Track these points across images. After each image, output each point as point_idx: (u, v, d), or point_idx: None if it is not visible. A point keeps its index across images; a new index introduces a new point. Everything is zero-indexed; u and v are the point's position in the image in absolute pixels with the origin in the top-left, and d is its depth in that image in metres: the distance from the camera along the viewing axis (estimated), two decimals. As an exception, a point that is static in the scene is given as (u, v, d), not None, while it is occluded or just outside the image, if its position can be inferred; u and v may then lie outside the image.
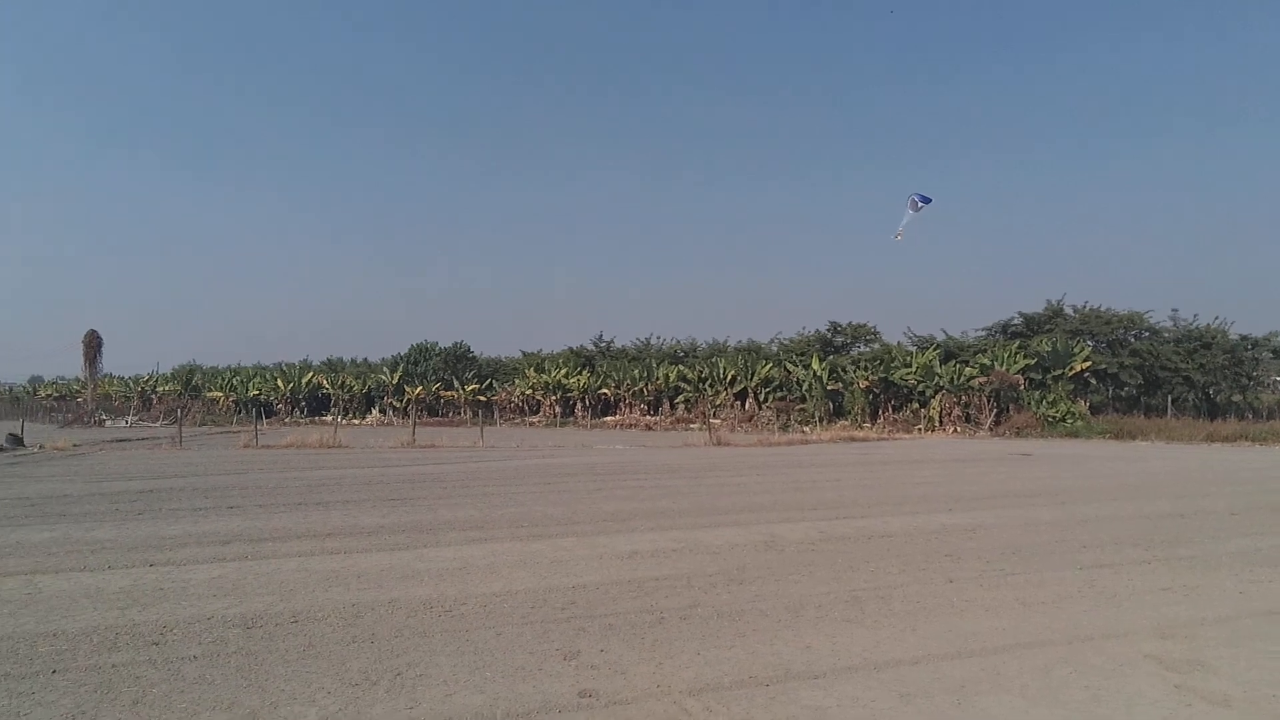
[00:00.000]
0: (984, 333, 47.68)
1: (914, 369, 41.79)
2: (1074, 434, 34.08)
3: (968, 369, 40.20)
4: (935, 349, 43.97)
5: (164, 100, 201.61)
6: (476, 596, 6.48)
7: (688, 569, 7.54)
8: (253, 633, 5.45)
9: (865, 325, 51.29)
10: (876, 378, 42.94)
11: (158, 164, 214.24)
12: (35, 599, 6.35)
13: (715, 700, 4.29)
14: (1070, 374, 39.06)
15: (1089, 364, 39.55)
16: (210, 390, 63.59)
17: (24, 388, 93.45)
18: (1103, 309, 44.11)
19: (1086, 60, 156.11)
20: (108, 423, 52.66)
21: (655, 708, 4.19)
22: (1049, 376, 39.24)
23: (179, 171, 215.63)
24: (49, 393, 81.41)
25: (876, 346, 48.83)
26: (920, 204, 27.87)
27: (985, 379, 38.79)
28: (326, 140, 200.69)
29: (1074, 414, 36.34)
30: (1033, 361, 39.77)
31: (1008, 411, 37.97)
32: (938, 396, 39.70)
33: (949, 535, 9.51)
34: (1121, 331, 43.46)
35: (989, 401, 38.11)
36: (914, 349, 45.97)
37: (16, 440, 26.72)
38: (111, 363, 69.63)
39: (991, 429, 36.64)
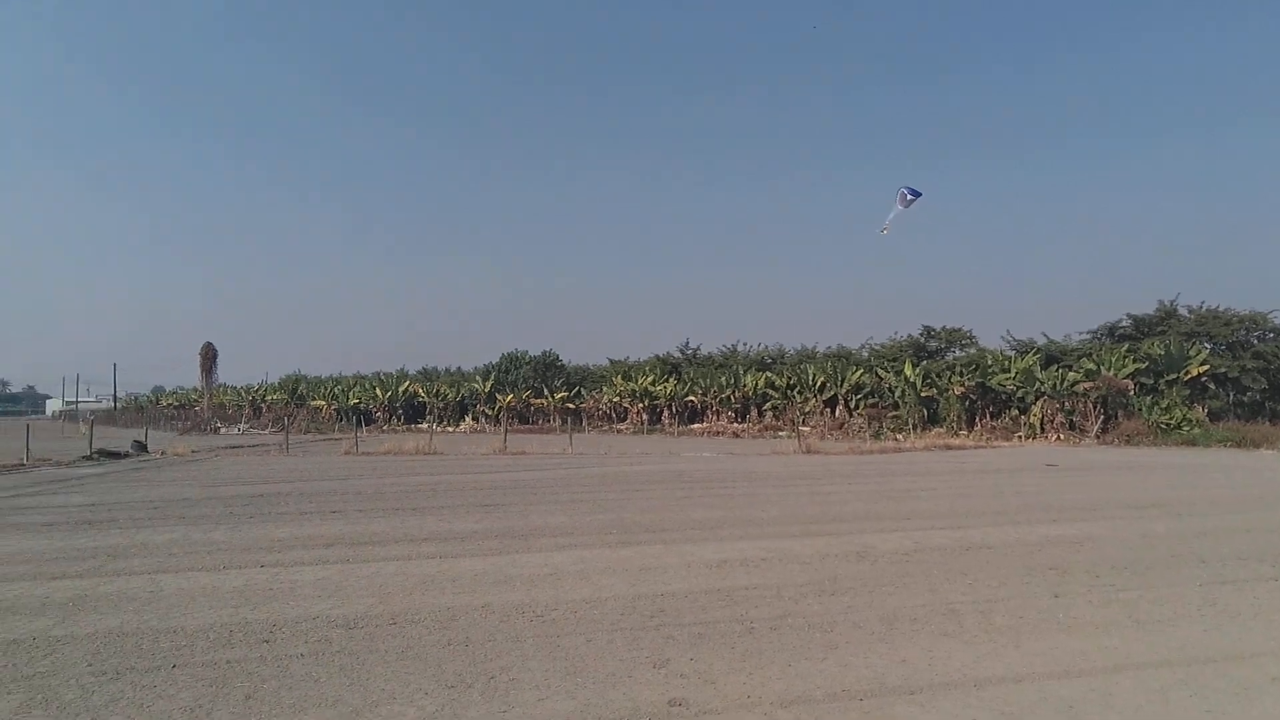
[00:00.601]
0: (1089, 336, 45.49)
1: (1013, 374, 40.22)
2: (1191, 442, 32.10)
3: (1071, 374, 38.41)
4: (1036, 353, 42.18)
5: (273, 115, 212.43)
6: (567, 602, 6.56)
7: (777, 579, 7.45)
8: (354, 633, 5.66)
9: (960, 329, 49.69)
10: (973, 383, 41.51)
11: (264, 180, 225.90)
12: (157, 597, 6.76)
13: (807, 713, 4.22)
14: (1186, 378, 36.82)
15: (1206, 367, 37.19)
16: (314, 399, 66.50)
17: (148, 397, 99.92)
18: (1221, 309, 41.43)
19: (1216, 41, 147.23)
20: (221, 430, 55.70)
21: (746, 719, 4.15)
22: (1162, 381, 37.10)
23: (283, 189, 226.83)
24: (170, 401, 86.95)
25: (973, 351, 47.21)
26: (910, 197, 26.34)
27: (1091, 384, 36.97)
28: (421, 156, 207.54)
29: (1190, 421, 34.24)
30: (1143, 365, 37.67)
31: (1116, 418, 36.08)
32: (1039, 403, 38.07)
33: (1054, 547, 9.10)
34: (1243, 333, 40.69)
35: (1095, 408, 36.28)
36: (1013, 353, 44.24)
37: (141, 446, 28.59)
38: (225, 373, 73.89)
39: (1098, 437, 34.85)
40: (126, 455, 26.56)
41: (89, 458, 24.48)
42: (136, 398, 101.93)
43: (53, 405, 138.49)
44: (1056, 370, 39.38)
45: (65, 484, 17.11)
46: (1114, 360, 38.23)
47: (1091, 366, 38.54)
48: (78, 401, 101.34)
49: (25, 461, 22.38)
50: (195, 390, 77.60)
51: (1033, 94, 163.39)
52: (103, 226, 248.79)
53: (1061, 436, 35.88)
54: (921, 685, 4.63)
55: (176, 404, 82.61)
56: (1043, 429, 37.18)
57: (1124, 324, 44.64)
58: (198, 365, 67.76)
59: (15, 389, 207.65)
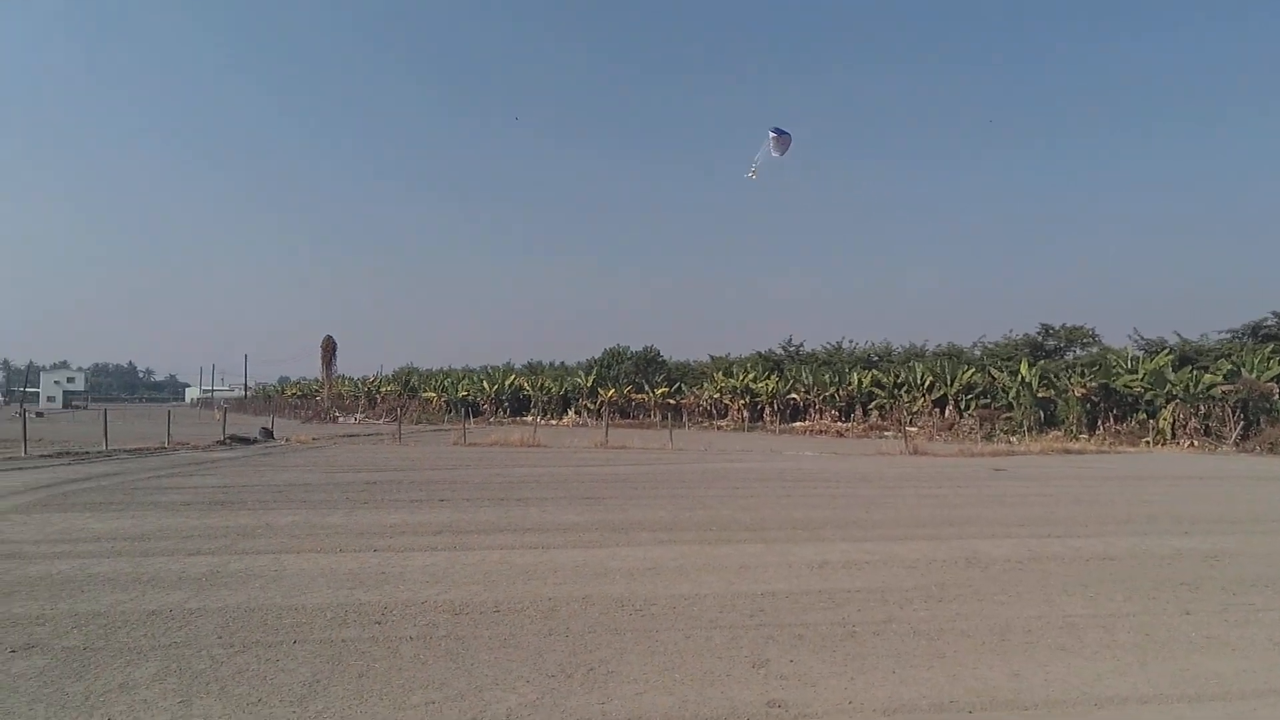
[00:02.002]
0: (1228, 335, 42.23)
1: (1141, 375, 37.80)
2: (1345, 451, 29.40)
3: (1208, 376, 35.77)
4: (1167, 353, 39.49)
5: (394, 120, 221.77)
6: (666, 597, 6.57)
7: (881, 582, 7.25)
8: (460, 619, 5.84)
9: (1082, 327, 47.12)
10: (1095, 384, 39.21)
11: (383, 184, 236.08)
12: (281, 576, 7.17)
13: (912, 722, 4.09)
14: (1340, 382, 33.72)
15: (1364, 370, 33.96)
16: (425, 391, 69.05)
17: (275, 387, 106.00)
18: (1382, 306, 37.74)
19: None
20: (339, 419, 58.63)
21: (847, 724, 4.06)
22: (1312, 385, 34.08)
23: (399, 191, 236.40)
24: (293, 391, 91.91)
25: (1095, 350, 44.66)
26: (776, 137, 23.31)
27: (1230, 387, 34.33)
28: (531, 158, 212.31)
29: (1344, 428, 31.34)
30: (1290, 368, 34.70)
31: (1258, 424, 33.36)
32: (1170, 406, 35.61)
33: (1184, 561, 8.50)
34: None
35: (1234, 413, 33.64)
36: (1140, 353, 41.59)
37: (268, 433, 30.46)
38: (343, 365, 77.61)
39: (1237, 444, 32.32)
40: (255, 441, 28.30)
41: (222, 443, 26.19)
42: (264, 387, 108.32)
43: (191, 393, 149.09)
44: (1191, 372, 36.77)
45: (200, 467, 18.37)
46: (1257, 362, 35.39)
47: (1231, 368, 35.80)
48: (213, 390, 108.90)
49: (166, 445, 24.16)
50: (316, 381, 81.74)
51: (1170, 68, 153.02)
52: (239, 229, 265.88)
53: (1195, 443, 33.46)
54: (1036, 701, 4.41)
55: (299, 394, 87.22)
56: (1174, 435, 34.79)
57: (1269, 322, 41.20)
58: (319, 357, 71.47)
59: (159, 377, 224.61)
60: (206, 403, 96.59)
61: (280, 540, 8.92)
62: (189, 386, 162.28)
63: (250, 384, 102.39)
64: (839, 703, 4.33)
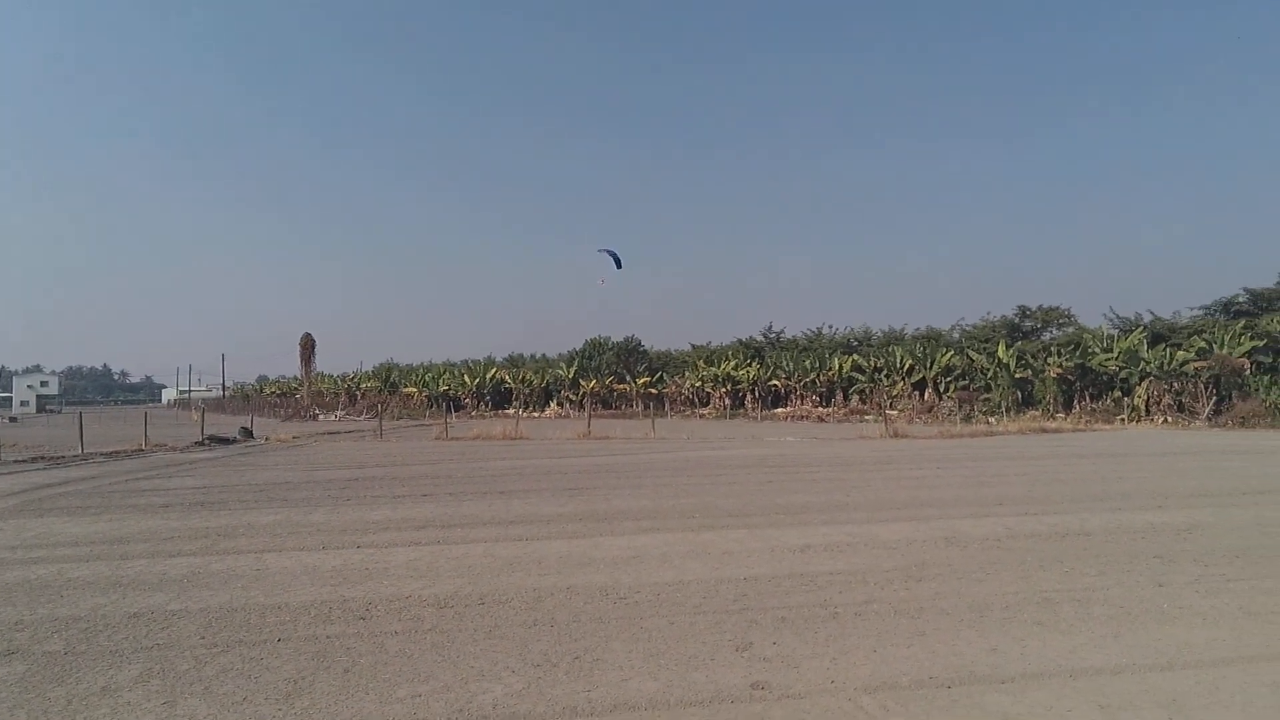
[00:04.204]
0: (1200, 312, 42.95)
1: (1115, 354, 38.36)
2: (1314, 424, 29.99)
3: (1181, 353, 36.36)
4: (1141, 331, 40.10)
5: (368, 112, 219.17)
6: (650, 585, 6.62)
7: (863, 564, 7.33)
8: (445, 612, 5.86)
9: (1058, 308, 47.73)
10: (1071, 364, 39.74)
11: (360, 177, 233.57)
12: (263, 575, 7.15)
13: (892, 699, 4.16)
14: (1309, 356, 34.37)
15: (1333, 344, 34.62)
16: (406, 386, 68.72)
17: (253, 386, 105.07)
18: (1350, 281, 38.46)
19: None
20: (320, 417, 58.17)
21: (829, 703, 4.12)
22: (1282, 359, 34.72)
23: (375, 185, 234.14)
24: (272, 390, 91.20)
25: (1071, 330, 45.21)
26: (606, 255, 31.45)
27: (1203, 364, 34.90)
28: (508, 145, 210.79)
29: (1314, 402, 31.97)
30: (1261, 343, 35.33)
31: (1230, 400, 33.96)
32: (1144, 384, 36.18)
33: (1158, 535, 8.66)
34: (1377, 305, 37.70)
35: (1207, 389, 34.21)
36: (1115, 332, 42.17)
37: (248, 433, 30.21)
38: (323, 362, 77.19)
39: (1210, 419, 32.89)
40: (234, 441, 28.05)
41: (200, 443, 25.94)
42: (243, 386, 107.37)
43: (168, 394, 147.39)
44: (1164, 349, 37.35)
45: (179, 468, 18.20)
46: (1228, 338, 35.99)
47: (1203, 345, 36.41)
48: (190, 390, 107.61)
49: (144, 447, 23.90)
50: (296, 379, 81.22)
51: (1135, 53, 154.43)
52: (215, 228, 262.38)
53: (1169, 419, 34.02)
54: (1013, 674, 4.49)
55: (279, 392, 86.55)
56: (1148, 411, 35.34)
57: (1240, 299, 41.97)
58: (298, 355, 71.00)
59: (135, 379, 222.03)
60: (184, 403, 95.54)
61: (262, 539, 8.87)
62: (165, 388, 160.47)
63: (228, 383, 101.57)
64: (821, 683, 4.40)
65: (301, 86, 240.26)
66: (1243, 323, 37.82)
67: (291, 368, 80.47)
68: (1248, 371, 34.61)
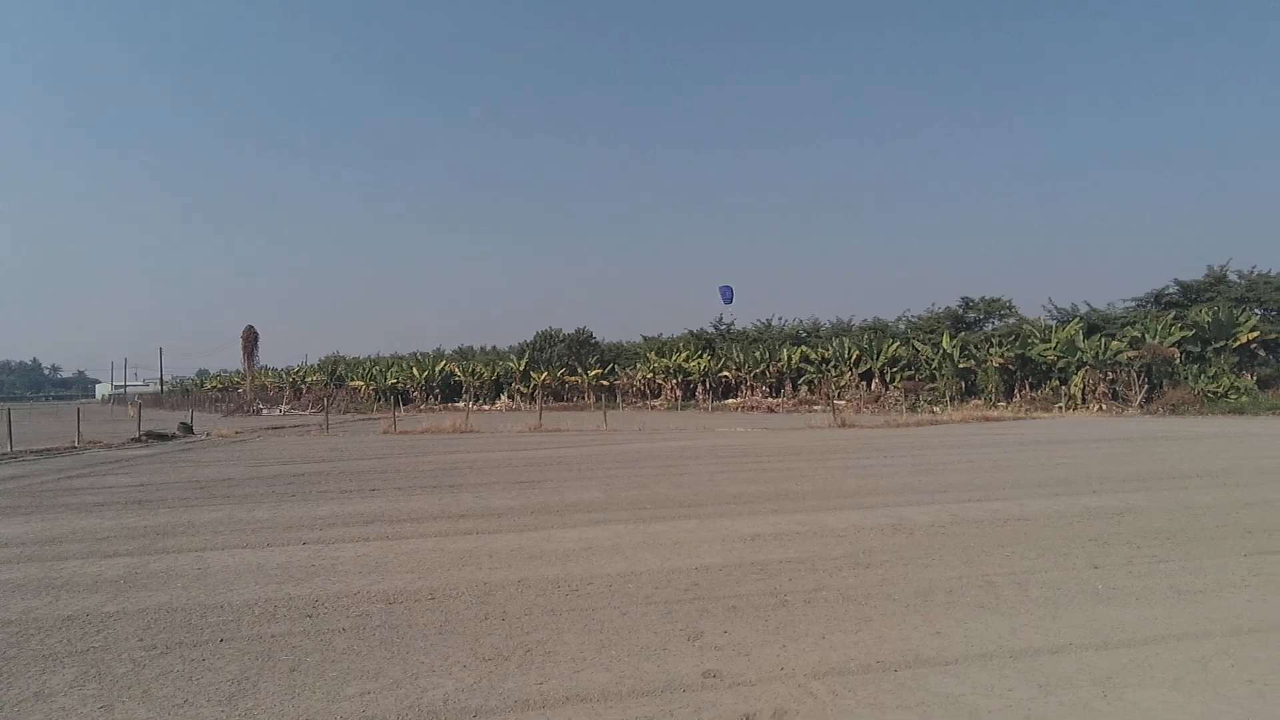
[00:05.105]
0: (1134, 303, 44.49)
1: (1053, 344, 39.52)
2: (1238, 410, 31.37)
3: (1115, 343, 37.64)
4: (1078, 322, 41.37)
5: (312, 98, 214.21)
6: (602, 577, 6.62)
7: (811, 552, 7.44)
8: (394, 608, 5.78)
9: (1000, 299, 48.94)
10: (1012, 354, 40.85)
11: (303, 165, 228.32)
12: (205, 574, 6.96)
13: (841, 684, 4.23)
14: (1234, 345, 35.87)
15: (1256, 334, 36.22)
16: (353, 380, 67.57)
17: (193, 380, 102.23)
18: (1273, 273, 40.15)
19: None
20: (263, 411, 56.84)
21: (779, 690, 4.17)
22: (1209, 349, 36.23)
23: (321, 173, 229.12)
24: (214, 384, 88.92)
25: (1012, 321, 46.41)
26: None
27: (1135, 353, 36.17)
28: (457, 138, 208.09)
29: (1238, 389, 33.42)
30: (1190, 333, 36.76)
31: (1161, 388, 35.31)
32: (1080, 373, 37.38)
33: (1094, 519, 8.96)
34: (1295, 297, 39.45)
35: (1139, 377, 35.50)
36: (1054, 323, 43.43)
37: (188, 429, 29.36)
38: (266, 356, 75.54)
39: (1142, 407, 34.15)
40: (173, 437, 27.26)
41: (137, 440, 25.17)
42: (182, 381, 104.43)
43: (102, 390, 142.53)
44: (1099, 339, 38.60)
45: (115, 465, 17.63)
46: (1160, 328, 37.37)
47: (1136, 335, 37.72)
48: (126, 386, 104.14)
49: (77, 444, 23.09)
50: (238, 373, 79.24)
51: (1075, 55, 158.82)
52: (149, 215, 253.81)
53: (1103, 407, 35.20)
54: (956, 656, 4.61)
55: (220, 387, 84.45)
56: (1084, 399, 36.52)
57: (1171, 291, 43.55)
58: (240, 349, 69.18)
59: (66, 374, 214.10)
60: (120, 399, 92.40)
61: (203, 538, 8.64)
62: (100, 383, 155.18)
63: (167, 378, 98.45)
64: (772, 669, 4.45)
65: (241, 75, 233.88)
66: (1173, 314, 39.30)
67: (233, 362, 78.56)
68: (1178, 360, 35.98)
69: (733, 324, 57.85)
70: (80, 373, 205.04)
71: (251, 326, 69.16)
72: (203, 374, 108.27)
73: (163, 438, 26.61)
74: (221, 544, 8.25)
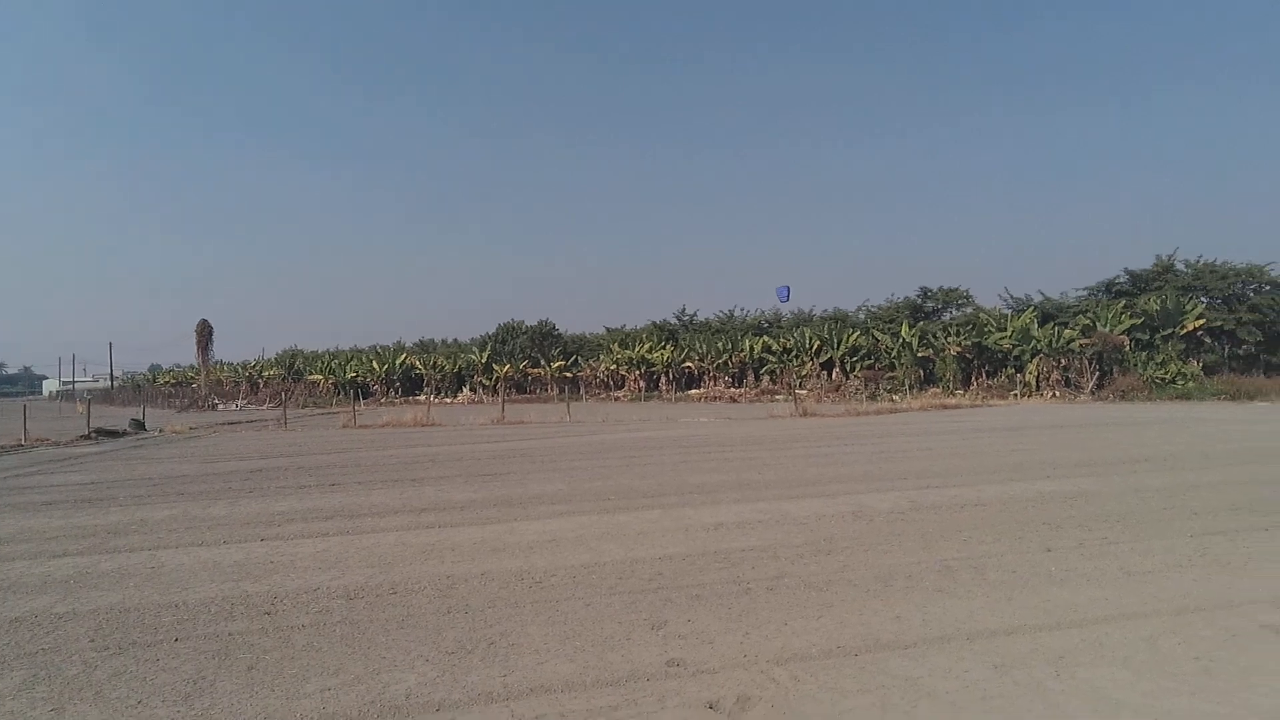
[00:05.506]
0: (1085, 292, 45.53)
1: (1009, 333, 40.30)
2: (1185, 396, 32.33)
3: (1067, 331, 38.51)
4: (1032, 311, 42.22)
5: (268, 92, 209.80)
6: (565, 568, 6.61)
7: (774, 540, 7.51)
8: (355, 604, 5.71)
9: (957, 289, 49.71)
10: (969, 343, 41.60)
11: (258, 156, 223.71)
12: (158, 572, 6.81)
13: (803, 669, 4.28)
14: (1182, 333, 36.92)
15: (1202, 321, 37.32)
16: (311, 373, 66.48)
17: (145, 376, 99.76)
18: (1219, 263, 41.36)
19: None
20: (219, 407, 55.75)
21: (743, 677, 4.21)
22: (1158, 336, 37.24)
23: (277, 164, 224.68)
24: (167, 380, 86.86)
25: (969, 310, 47.20)
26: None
27: (1087, 341, 37.07)
28: (416, 129, 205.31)
29: (1185, 375, 34.41)
30: (1139, 321, 37.75)
31: (1111, 375, 36.25)
32: (1035, 361, 38.22)
33: (1047, 503, 9.18)
34: (1240, 286, 40.73)
35: (1091, 365, 36.41)
36: (1009, 312, 44.29)
37: (139, 425, 28.63)
38: (222, 350, 73.96)
39: (1094, 393, 35.04)
40: (124, 434, 26.59)
41: (87, 437, 24.51)
42: (133, 377, 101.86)
43: (49, 386, 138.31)
44: (1053, 328, 39.47)
45: (64, 463, 17.15)
46: (1110, 316, 38.31)
47: (1088, 323, 38.63)
48: (74, 382, 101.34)
49: (24, 441, 22.40)
50: (192, 368, 77.52)
51: (1027, 51, 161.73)
52: (98, 206, 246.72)
53: (1057, 394, 36.04)
54: (915, 640, 4.69)
55: (174, 382, 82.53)
56: (1038, 387, 37.33)
57: (1121, 280, 44.66)
58: (194, 343, 67.75)
59: (11, 370, 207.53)
60: (68, 395, 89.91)
61: (156, 536, 8.44)
62: (46, 379, 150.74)
63: (117, 373, 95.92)
64: (735, 657, 4.49)
65: (191, 68, 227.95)
66: (1123, 302, 40.29)
67: (187, 356, 76.87)
68: (1127, 348, 36.93)
69: (783, 317, 58.39)
70: (26, 369, 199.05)
71: (206, 320, 67.93)
72: (155, 369, 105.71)
73: (114, 434, 25.93)
74: (176, 542, 8.07)
